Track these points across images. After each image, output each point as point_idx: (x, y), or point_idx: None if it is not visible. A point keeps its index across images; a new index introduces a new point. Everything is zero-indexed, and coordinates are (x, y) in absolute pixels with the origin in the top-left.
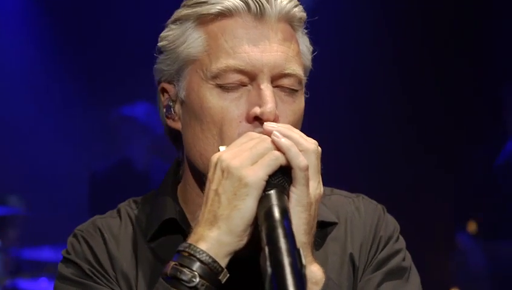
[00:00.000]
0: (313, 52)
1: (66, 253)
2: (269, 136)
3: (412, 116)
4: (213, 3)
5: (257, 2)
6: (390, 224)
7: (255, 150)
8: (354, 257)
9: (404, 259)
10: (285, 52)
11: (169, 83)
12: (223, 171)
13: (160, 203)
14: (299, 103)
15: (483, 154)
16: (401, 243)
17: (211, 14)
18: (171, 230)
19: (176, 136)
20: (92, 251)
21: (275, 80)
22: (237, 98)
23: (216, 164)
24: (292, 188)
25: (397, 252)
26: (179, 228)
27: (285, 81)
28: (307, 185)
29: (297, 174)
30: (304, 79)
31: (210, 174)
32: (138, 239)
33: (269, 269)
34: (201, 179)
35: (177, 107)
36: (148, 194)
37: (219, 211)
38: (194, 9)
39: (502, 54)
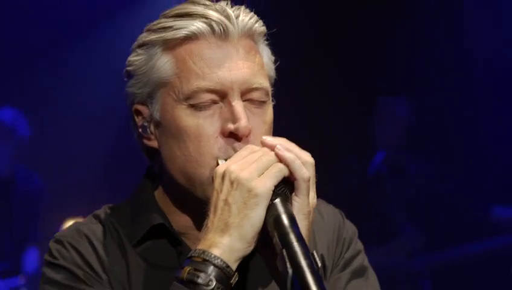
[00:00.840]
0: (275, 62)
1: (53, 258)
2: (271, 149)
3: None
4: (178, 28)
5: (220, 24)
6: (350, 227)
7: (260, 162)
8: (324, 258)
9: (364, 259)
10: (251, 67)
11: (142, 104)
12: (232, 183)
13: (144, 210)
14: (268, 113)
15: (357, 163)
16: (360, 244)
17: (177, 38)
18: (155, 235)
19: (153, 153)
20: (81, 257)
21: (244, 94)
22: (210, 115)
23: (224, 176)
24: (295, 198)
25: (359, 252)
26: (164, 233)
27: (254, 95)
28: (308, 195)
29: (301, 185)
30: (270, 90)
31: (217, 185)
32: (125, 244)
33: (290, 271)
34: (180, 191)
35: (152, 127)
36: (124, 202)
37: (230, 219)
38: (159, 35)
39: (377, 68)
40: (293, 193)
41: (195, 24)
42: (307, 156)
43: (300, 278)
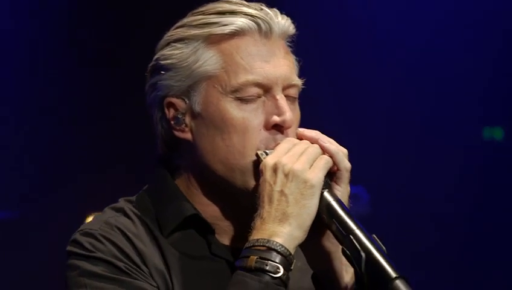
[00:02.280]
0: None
1: (86, 251)
2: (312, 141)
3: None
4: (226, 24)
5: (266, 22)
6: None
7: (309, 154)
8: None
9: None
10: (289, 65)
11: (177, 97)
12: (286, 175)
13: (172, 201)
14: (298, 110)
15: None
16: None
17: (224, 34)
18: (184, 226)
19: (177, 145)
20: (119, 249)
21: (284, 90)
22: (255, 108)
23: (276, 168)
24: (337, 186)
25: None
26: (193, 223)
27: (291, 91)
28: (348, 184)
29: (344, 175)
30: (300, 88)
31: (268, 177)
32: (156, 235)
33: (363, 254)
34: (217, 182)
35: (188, 119)
36: (141, 194)
37: (288, 209)
38: (203, 30)
39: None
40: (333, 182)
41: (241, 21)
42: (343, 148)
43: (374, 260)
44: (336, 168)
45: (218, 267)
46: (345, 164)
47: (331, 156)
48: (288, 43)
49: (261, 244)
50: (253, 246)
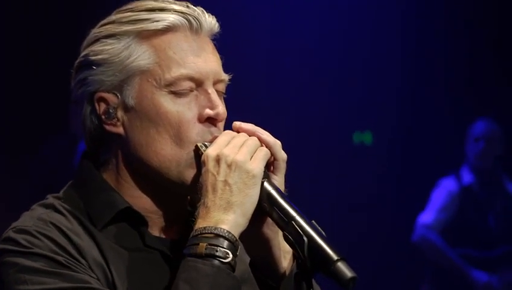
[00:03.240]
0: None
1: (22, 247)
2: (249, 134)
3: None
4: (158, 20)
5: (196, 19)
6: None
7: (249, 146)
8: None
9: None
10: (217, 61)
11: (108, 92)
12: (229, 165)
13: (101, 194)
14: (224, 105)
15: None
16: None
17: (156, 30)
18: (117, 220)
19: (107, 140)
20: (56, 244)
21: (214, 85)
22: (188, 102)
23: (219, 159)
24: (274, 176)
25: None
26: (126, 216)
27: (219, 86)
28: (284, 174)
29: (280, 165)
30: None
31: (211, 168)
32: (90, 229)
33: (305, 239)
34: (150, 175)
35: (120, 113)
36: (68, 189)
37: (232, 198)
38: (135, 26)
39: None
40: (270, 172)
41: (173, 17)
42: (277, 140)
43: (316, 244)
44: (273, 158)
45: (153, 258)
46: (282, 155)
47: (269, 148)
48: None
49: (209, 231)
50: (201, 233)
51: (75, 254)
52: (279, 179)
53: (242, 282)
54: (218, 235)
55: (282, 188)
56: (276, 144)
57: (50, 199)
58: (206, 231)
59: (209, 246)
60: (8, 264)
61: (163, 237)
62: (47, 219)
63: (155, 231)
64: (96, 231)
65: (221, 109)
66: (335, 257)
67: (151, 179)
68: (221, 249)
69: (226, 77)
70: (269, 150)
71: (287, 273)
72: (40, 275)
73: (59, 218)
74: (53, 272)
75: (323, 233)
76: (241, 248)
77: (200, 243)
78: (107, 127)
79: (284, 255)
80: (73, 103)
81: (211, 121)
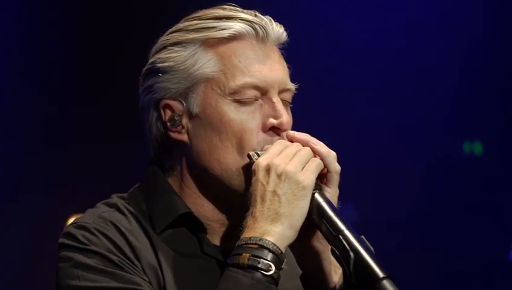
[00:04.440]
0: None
1: (80, 243)
2: (303, 144)
3: None
4: (224, 29)
5: (263, 28)
6: None
7: (301, 156)
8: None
9: None
10: (284, 70)
11: (173, 99)
12: (279, 175)
13: (165, 199)
14: (291, 114)
15: None
16: None
17: (222, 38)
18: (176, 224)
19: (172, 147)
20: (113, 243)
21: (279, 94)
22: (252, 111)
23: (269, 169)
24: (327, 188)
25: None
26: (185, 222)
27: (285, 95)
28: (337, 186)
29: (334, 177)
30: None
31: (261, 177)
32: (148, 232)
33: (352, 254)
34: (212, 182)
35: (185, 121)
36: (134, 191)
37: (281, 209)
38: (202, 34)
39: None
40: (323, 184)
41: (239, 25)
42: (332, 151)
43: (362, 260)
44: (326, 170)
45: (209, 266)
46: (335, 167)
47: (321, 159)
48: (280, 50)
49: (253, 242)
50: (246, 244)
51: (130, 255)
52: (331, 192)
53: None
54: (262, 247)
55: (334, 200)
56: (330, 155)
57: (115, 198)
58: (251, 242)
59: (251, 257)
60: (64, 258)
61: (222, 245)
62: (107, 218)
63: (215, 239)
64: (155, 234)
65: (285, 118)
66: (381, 275)
67: (213, 187)
68: (264, 261)
69: (292, 86)
70: (322, 161)
71: (337, 288)
72: (93, 273)
73: (119, 218)
74: (105, 270)
75: (372, 249)
76: (293, 261)
77: (243, 254)
78: (172, 134)
79: (335, 270)
80: (140, 110)
81: (275, 130)
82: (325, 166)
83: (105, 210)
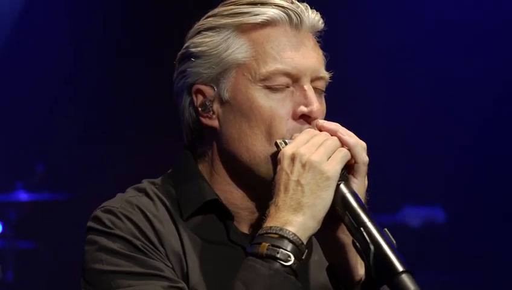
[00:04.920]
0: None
1: (105, 227)
2: (331, 133)
3: None
4: (257, 14)
5: (297, 14)
6: None
7: (327, 146)
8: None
9: None
10: (318, 58)
11: (205, 84)
12: (303, 165)
13: (193, 185)
14: (324, 103)
15: None
16: None
17: (256, 23)
18: (205, 210)
19: (202, 132)
20: (137, 227)
21: (312, 82)
22: (283, 98)
23: (294, 158)
24: (354, 179)
25: None
26: (213, 208)
27: (319, 84)
28: (365, 177)
29: (361, 168)
30: (327, 82)
31: (286, 166)
32: (174, 217)
33: (372, 247)
34: (241, 170)
35: (216, 106)
36: (165, 177)
37: (303, 199)
38: (234, 19)
39: None
40: (350, 175)
41: (273, 11)
42: (362, 141)
43: (382, 254)
44: (353, 161)
45: (234, 254)
46: (363, 157)
47: (349, 149)
48: (316, 38)
49: (274, 232)
50: (266, 233)
51: (154, 240)
52: (358, 183)
53: (322, 289)
54: (282, 237)
55: (362, 192)
56: (358, 145)
57: (145, 183)
58: (272, 231)
59: (271, 247)
60: (90, 242)
61: (250, 233)
62: (134, 202)
63: (243, 227)
64: (182, 220)
65: (315, 106)
66: (400, 269)
67: (242, 174)
68: (283, 251)
69: (326, 74)
70: (350, 151)
71: (363, 280)
72: (116, 257)
73: (146, 203)
74: (128, 255)
75: (394, 243)
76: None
77: (263, 243)
78: (203, 120)
79: (361, 263)
80: (174, 95)
81: (305, 118)
82: (352, 157)
83: (134, 195)
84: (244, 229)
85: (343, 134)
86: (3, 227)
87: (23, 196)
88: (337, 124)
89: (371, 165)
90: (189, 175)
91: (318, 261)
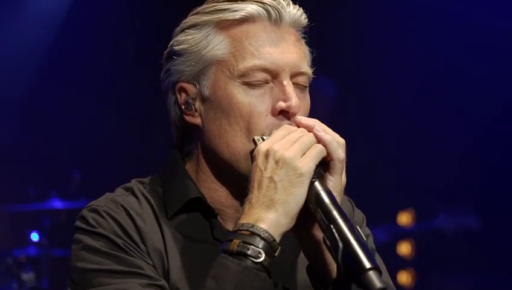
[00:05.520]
0: (312, 53)
1: (89, 226)
2: (308, 130)
3: None
4: (236, 10)
5: (276, 10)
6: (359, 213)
7: (302, 142)
8: None
9: (372, 242)
10: (299, 53)
11: (188, 82)
12: (277, 161)
13: (178, 184)
14: (307, 99)
15: None
16: (369, 229)
17: (235, 19)
18: (189, 208)
19: (188, 130)
20: (120, 226)
21: (292, 77)
22: (262, 94)
23: (267, 154)
24: (330, 177)
25: (368, 235)
26: (198, 207)
27: (300, 79)
28: (341, 175)
29: (336, 165)
30: (311, 78)
31: (260, 163)
32: (159, 216)
33: (340, 244)
34: (223, 167)
35: (198, 104)
36: (153, 176)
37: (276, 196)
38: (214, 16)
39: None
40: (327, 172)
41: (252, 7)
42: (340, 138)
43: (351, 251)
44: (329, 158)
45: (217, 251)
46: (338, 155)
47: (324, 146)
48: (302, 35)
49: (245, 229)
50: (238, 230)
51: (136, 238)
52: (334, 181)
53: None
54: (254, 234)
55: (338, 190)
56: (333, 142)
57: (133, 182)
58: (243, 228)
59: (241, 244)
60: (76, 240)
61: None
62: (119, 201)
63: (229, 225)
64: (166, 218)
65: (294, 101)
66: (368, 265)
67: (225, 171)
68: (254, 248)
69: (308, 70)
70: (325, 148)
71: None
72: (98, 255)
73: (131, 202)
74: (109, 253)
75: (364, 240)
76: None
77: (234, 240)
78: (187, 118)
79: None
80: (162, 94)
81: (284, 114)
82: (328, 153)
83: (120, 193)
84: (230, 227)
85: (318, 130)
86: (39, 236)
87: (58, 204)
88: (316, 120)
89: (406, 168)
90: (176, 174)
91: (305, 259)
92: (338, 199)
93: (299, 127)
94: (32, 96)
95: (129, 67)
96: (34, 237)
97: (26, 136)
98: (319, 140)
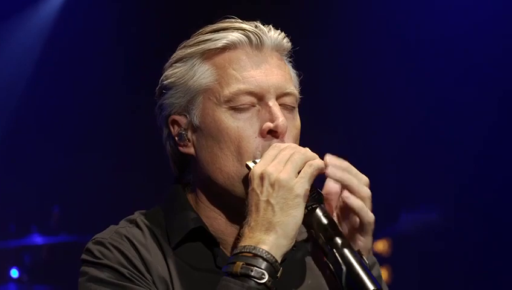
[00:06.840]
0: (299, 76)
1: (95, 258)
2: (334, 190)
3: None
4: (218, 39)
5: (256, 35)
6: None
7: (294, 162)
8: None
9: (379, 269)
10: (284, 74)
11: (179, 114)
12: (272, 184)
13: (181, 214)
14: (297, 119)
15: None
16: (374, 257)
17: (217, 48)
18: (192, 238)
19: (185, 162)
20: (125, 257)
21: (278, 98)
22: (249, 117)
23: (262, 177)
24: (360, 237)
25: (375, 263)
26: (200, 236)
27: (286, 100)
28: (371, 235)
29: (367, 228)
30: (298, 98)
31: (255, 186)
32: (163, 246)
33: (344, 268)
34: (219, 193)
35: (190, 133)
36: (156, 208)
37: (274, 218)
38: (198, 47)
39: None
40: (357, 233)
41: (232, 35)
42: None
43: (354, 273)
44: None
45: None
46: (369, 218)
47: (354, 212)
48: (288, 59)
49: (248, 250)
50: (240, 252)
51: (141, 268)
52: (364, 241)
53: None
54: (256, 255)
55: (367, 249)
56: (363, 208)
57: (136, 214)
58: (245, 250)
59: (245, 265)
60: (82, 273)
61: None
62: (123, 233)
63: (230, 252)
64: (170, 248)
65: (281, 120)
66: (371, 287)
67: (222, 196)
68: (257, 269)
69: (293, 90)
70: (355, 213)
71: None
72: (104, 286)
73: (136, 233)
74: (116, 283)
75: (366, 263)
76: (321, 276)
77: (237, 262)
78: (181, 149)
79: None
80: (159, 129)
81: (273, 134)
82: (359, 217)
83: (124, 225)
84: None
85: (347, 196)
86: (19, 272)
87: (38, 239)
88: (347, 164)
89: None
90: (177, 205)
91: (311, 285)
92: (365, 255)
93: (326, 166)
94: (10, 131)
95: (112, 107)
96: (14, 273)
97: (5, 172)
98: (346, 203)
